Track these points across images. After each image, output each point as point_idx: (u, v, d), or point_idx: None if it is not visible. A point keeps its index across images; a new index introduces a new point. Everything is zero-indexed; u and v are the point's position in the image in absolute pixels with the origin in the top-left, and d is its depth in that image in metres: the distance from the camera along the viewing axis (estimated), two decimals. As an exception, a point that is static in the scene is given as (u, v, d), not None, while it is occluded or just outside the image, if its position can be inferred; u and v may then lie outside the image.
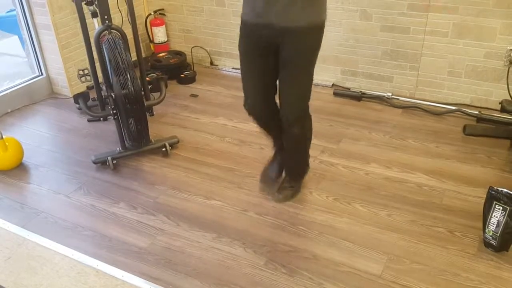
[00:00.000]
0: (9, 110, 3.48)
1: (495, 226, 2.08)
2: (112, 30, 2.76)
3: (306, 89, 2.17)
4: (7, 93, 3.47)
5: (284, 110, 2.20)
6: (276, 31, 2.00)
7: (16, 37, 4.47)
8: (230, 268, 2.08)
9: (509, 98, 3.03)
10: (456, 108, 3.21)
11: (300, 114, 2.22)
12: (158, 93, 3.14)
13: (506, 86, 3.07)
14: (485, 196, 2.14)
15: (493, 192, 2.09)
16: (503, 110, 2.87)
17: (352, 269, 2.04)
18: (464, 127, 3.01)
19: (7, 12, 4.44)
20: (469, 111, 3.17)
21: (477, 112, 3.12)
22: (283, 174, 2.56)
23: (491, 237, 2.10)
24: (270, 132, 2.45)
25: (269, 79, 2.20)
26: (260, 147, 2.92)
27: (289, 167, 2.51)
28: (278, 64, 2.12)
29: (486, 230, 2.11)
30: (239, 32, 2.17)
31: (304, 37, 2.02)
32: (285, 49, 2.05)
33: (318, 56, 2.13)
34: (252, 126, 3.12)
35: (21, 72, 3.78)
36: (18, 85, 3.56)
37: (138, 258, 2.15)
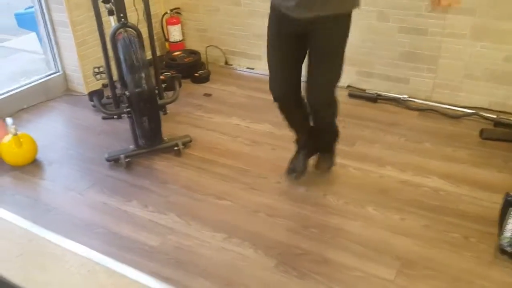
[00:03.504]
0: (25, 106, 3.51)
1: (511, 233, 2.03)
2: (127, 28, 2.77)
3: (338, 75, 2.20)
4: (23, 89, 3.51)
5: (315, 96, 2.23)
6: (308, 20, 2.03)
7: (34, 34, 4.52)
8: (240, 269, 2.07)
9: (529, 103, 2.97)
10: (474, 111, 3.16)
11: (331, 99, 2.27)
12: (172, 92, 3.14)
13: (525, 90, 3.02)
14: (501, 201, 2.10)
15: (509, 198, 2.04)
16: (522, 114, 2.82)
17: (365, 274, 2.02)
18: (481, 131, 2.96)
19: (26, 9, 4.48)
20: (486, 114, 3.11)
21: (494, 116, 3.07)
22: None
23: (507, 244, 2.05)
24: (294, 121, 2.48)
25: (295, 66, 2.25)
26: (272, 148, 2.90)
27: (323, 143, 2.56)
28: (306, 48, 2.16)
29: (502, 237, 2.07)
30: (269, 16, 2.19)
31: (336, 25, 2.07)
32: (318, 36, 2.09)
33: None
34: (265, 127, 3.11)
35: (38, 69, 3.82)
36: (34, 81, 3.59)
37: (149, 257, 2.15)
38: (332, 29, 2.06)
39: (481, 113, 3.14)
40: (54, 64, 3.71)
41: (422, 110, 3.28)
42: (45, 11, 3.48)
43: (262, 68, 3.69)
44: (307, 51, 2.18)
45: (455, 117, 3.17)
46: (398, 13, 3.23)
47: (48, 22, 3.53)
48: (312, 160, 2.62)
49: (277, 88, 2.30)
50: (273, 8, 2.15)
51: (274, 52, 2.24)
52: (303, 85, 2.30)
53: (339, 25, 2.08)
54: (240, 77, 3.93)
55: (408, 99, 3.38)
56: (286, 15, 2.07)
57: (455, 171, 2.65)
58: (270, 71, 2.29)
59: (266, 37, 2.22)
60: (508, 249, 2.05)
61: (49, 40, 3.62)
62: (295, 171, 2.56)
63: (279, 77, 2.28)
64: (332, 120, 2.40)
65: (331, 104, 2.30)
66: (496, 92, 3.14)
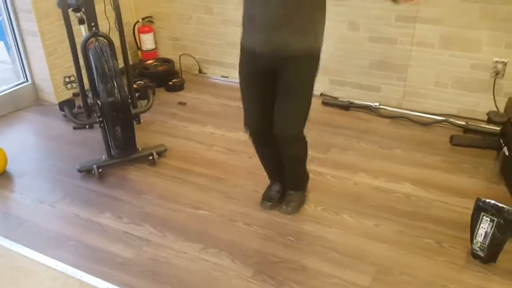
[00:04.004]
0: (-7, 117, 3.43)
1: (482, 237, 2.08)
2: (99, 37, 2.74)
3: (305, 111, 2.18)
4: (-9, 99, 3.42)
5: (282, 128, 2.20)
6: (276, 59, 2.05)
7: (1, 43, 4.41)
8: (217, 279, 2.05)
9: (496, 109, 3.06)
10: (443, 118, 3.23)
11: (298, 134, 2.24)
12: (146, 101, 3.11)
13: (492, 97, 3.10)
14: (472, 206, 2.14)
15: (480, 204, 2.09)
16: (490, 121, 2.89)
17: (341, 281, 2.03)
18: (451, 138, 3.03)
19: (-7, 17, 4.38)
20: (456, 121, 3.19)
21: (464, 123, 3.15)
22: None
23: (478, 249, 2.10)
24: (269, 157, 2.45)
25: (269, 101, 2.22)
26: (248, 156, 2.90)
27: (290, 181, 2.50)
28: (276, 87, 2.16)
29: (474, 242, 2.11)
30: (239, 56, 2.19)
31: (302, 64, 2.07)
32: (284, 75, 2.10)
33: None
34: (240, 135, 3.11)
35: (6, 79, 3.73)
36: (3, 91, 3.50)
37: (123, 269, 2.11)
38: (298, 68, 2.08)
39: (451, 120, 3.21)
40: (23, 74, 3.63)
41: (394, 117, 3.34)
42: (13, 20, 3.41)
43: (236, 76, 3.68)
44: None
45: (426, 124, 3.24)
46: (368, 23, 3.29)
47: (16, 31, 3.45)
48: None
49: (252, 123, 2.29)
50: (242, 46, 2.16)
51: (247, 89, 2.24)
52: None
53: (306, 65, 2.09)
54: (215, 86, 3.92)
55: (379, 106, 3.43)
56: (257, 56, 2.08)
57: (426, 177, 2.70)
58: (244, 108, 2.28)
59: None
60: (480, 253, 2.10)
61: (18, 49, 3.54)
62: (269, 200, 2.50)
63: (254, 113, 2.27)
64: (300, 159, 2.37)
65: (298, 140, 2.27)
66: (465, 99, 3.22)
